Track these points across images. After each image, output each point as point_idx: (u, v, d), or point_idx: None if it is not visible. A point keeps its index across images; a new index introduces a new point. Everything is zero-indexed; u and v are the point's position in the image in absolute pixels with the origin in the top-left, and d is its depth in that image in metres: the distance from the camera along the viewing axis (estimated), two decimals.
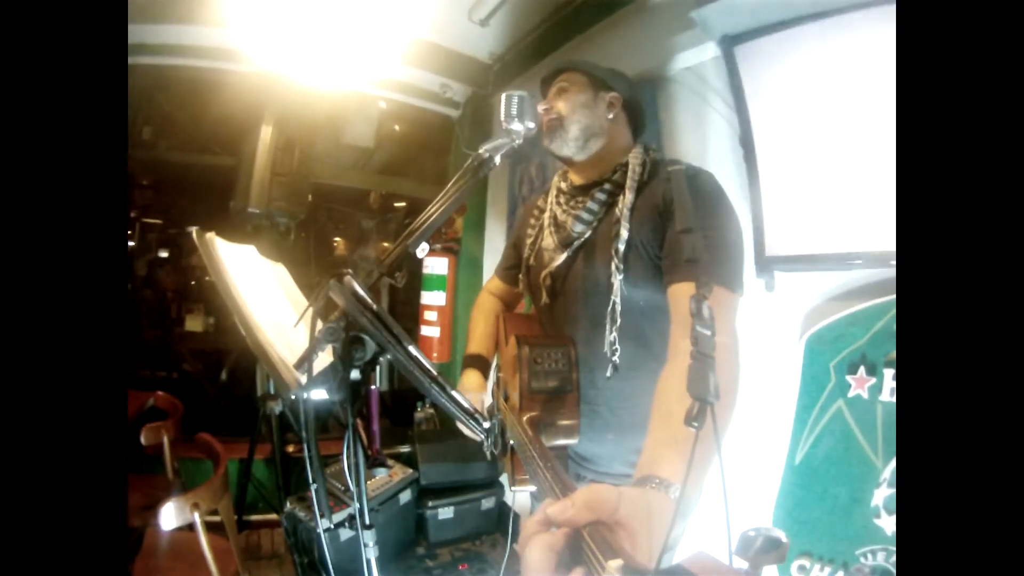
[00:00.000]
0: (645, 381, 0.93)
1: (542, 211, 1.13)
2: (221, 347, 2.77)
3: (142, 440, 1.82)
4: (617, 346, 0.95)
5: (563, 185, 1.11)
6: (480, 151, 0.87)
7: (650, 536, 0.45)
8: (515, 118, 0.87)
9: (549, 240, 1.07)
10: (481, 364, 1.16)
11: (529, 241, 1.13)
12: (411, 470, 2.31)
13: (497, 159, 0.87)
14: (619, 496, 0.44)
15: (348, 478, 1.09)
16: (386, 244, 3.83)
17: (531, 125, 0.88)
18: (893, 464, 1.17)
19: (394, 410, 3.05)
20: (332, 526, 1.34)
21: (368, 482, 2.15)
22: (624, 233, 0.93)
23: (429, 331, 2.95)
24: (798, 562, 1.27)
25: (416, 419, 2.85)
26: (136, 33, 1.94)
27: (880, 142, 1.23)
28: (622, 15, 1.93)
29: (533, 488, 0.86)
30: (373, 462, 1.01)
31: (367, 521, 1.11)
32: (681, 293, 0.85)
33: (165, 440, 1.82)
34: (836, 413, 1.29)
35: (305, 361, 0.78)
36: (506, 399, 1.02)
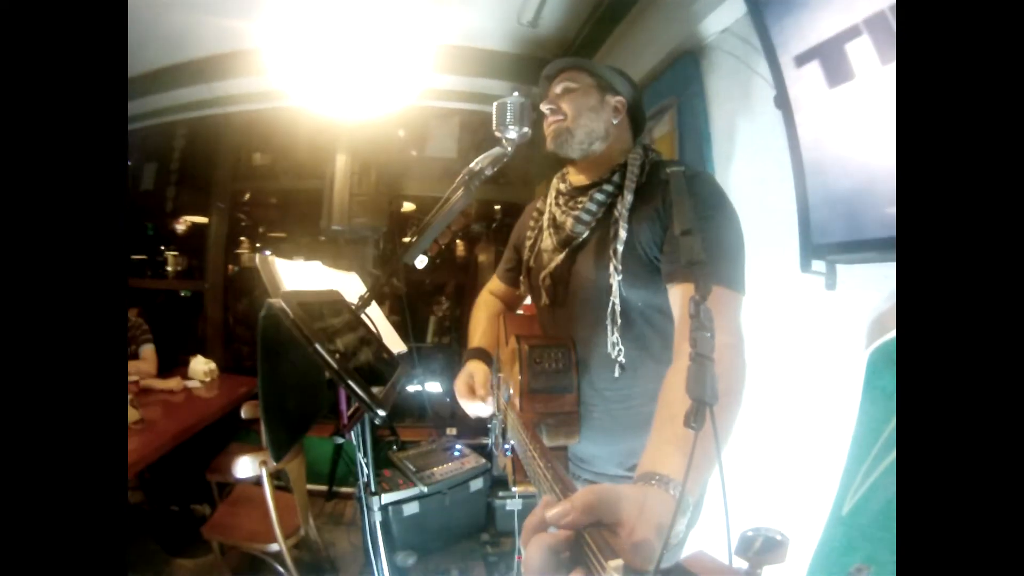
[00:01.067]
0: (643, 382, 0.95)
1: (541, 212, 1.14)
2: None
3: (242, 414, 2.24)
4: (621, 347, 0.94)
5: (562, 186, 1.11)
6: (471, 165, 0.91)
7: (651, 534, 0.44)
8: (509, 125, 0.90)
9: (548, 241, 1.07)
10: (484, 356, 1.18)
11: (529, 243, 1.14)
12: (484, 460, 2.44)
13: (488, 170, 0.92)
14: (619, 496, 0.44)
15: (358, 451, 1.25)
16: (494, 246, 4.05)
17: (526, 130, 0.91)
18: None
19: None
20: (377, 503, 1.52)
21: (440, 467, 2.34)
22: (623, 234, 0.93)
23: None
24: None
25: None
26: (222, 87, 2.43)
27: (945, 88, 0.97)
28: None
29: (533, 488, 0.89)
30: (335, 433, 1.14)
31: (372, 488, 1.25)
32: (682, 295, 0.84)
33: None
34: None
35: None
36: (506, 399, 1.04)
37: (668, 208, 0.89)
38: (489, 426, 1.19)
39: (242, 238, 3.61)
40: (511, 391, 1.00)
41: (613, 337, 0.93)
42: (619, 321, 0.93)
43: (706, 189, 0.90)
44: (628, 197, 0.95)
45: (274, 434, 0.96)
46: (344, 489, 2.73)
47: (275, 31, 1.81)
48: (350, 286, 1.96)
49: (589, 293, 0.98)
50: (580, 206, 1.02)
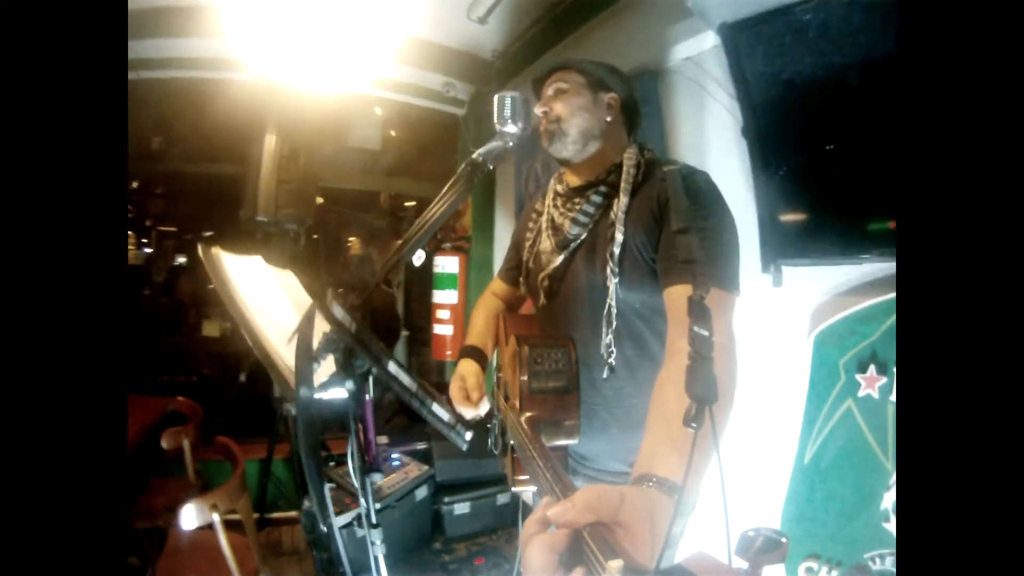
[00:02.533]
0: (642, 382, 0.96)
1: (540, 214, 1.13)
2: (238, 350, 2.84)
3: (163, 445, 1.89)
4: (613, 348, 0.95)
5: (559, 187, 1.10)
6: (473, 156, 0.86)
7: (650, 535, 0.45)
8: (508, 120, 0.87)
9: (547, 243, 1.07)
10: (477, 355, 1.17)
11: (528, 244, 1.14)
12: (427, 467, 2.37)
13: (491, 163, 0.87)
14: (619, 496, 0.44)
15: (354, 480, 1.13)
16: (398, 242, 3.87)
17: (524, 126, 0.88)
18: None
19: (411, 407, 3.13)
20: (337, 525, 1.38)
21: (385, 479, 2.21)
22: (619, 236, 0.93)
23: (442, 329, 2.99)
24: (805, 564, 1.24)
25: None
26: (137, 48, 1.99)
27: (887, 126, 1.19)
28: (621, 6, 1.90)
29: (533, 488, 0.87)
30: (369, 468, 1.03)
31: (373, 520, 1.14)
32: (678, 294, 0.84)
33: (185, 444, 1.89)
34: (846, 413, 1.26)
35: (304, 371, 0.80)
36: (506, 399, 1.03)
37: (664, 208, 0.90)
38: (488, 426, 1.17)
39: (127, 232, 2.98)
40: (511, 391, 1.01)
41: (607, 339, 0.95)
42: (614, 323, 0.94)
43: (703, 189, 0.91)
44: (624, 199, 0.96)
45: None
46: (276, 515, 2.43)
47: None
48: (291, 287, 1.75)
49: (587, 294, 0.99)
50: (577, 208, 1.02)
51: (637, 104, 1.11)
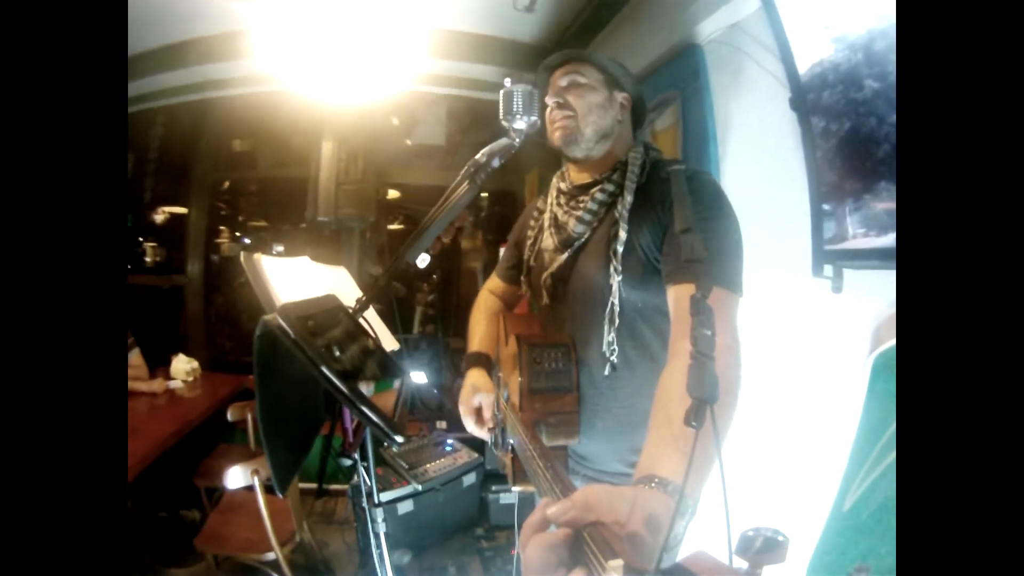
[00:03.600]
0: (642, 381, 0.95)
1: (542, 212, 1.13)
2: None
3: (228, 416, 2.17)
4: (615, 346, 0.94)
5: (562, 185, 1.09)
6: (477, 156, 0.85)
7: (650, 535, 0.45)
8: (517, 115, 0.84)
9: (549, 241, 1.06)
10: (483, 362, 1.17)
11: (529, 242, 1.13)
12: (477, 455, 2.43)
13: (496, 162, 0.86)
14: (619, 496, 0.44)
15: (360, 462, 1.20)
16: (480, 232, 3.98)
17: (535, 119, 0.85)
18: None
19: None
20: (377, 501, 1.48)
21: (433, 463, 2.31)
22: (623, 235, 0.92)
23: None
24: None
25: None
26: (208, 71, 2.28)
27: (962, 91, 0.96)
28: None
29: (533, 488, 0.87)
30: (342, 453, 1.10)
31: (376, 500, 1.21)
32: (681, 294, 0.83)
33: (249, 417, 2.15)
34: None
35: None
36: (506, 399, 1.02)
37: (668, 208, 0.89)
38: (491, 427, 1.17)
39: (222, 228, 3.47)
40: (511, 391, 1.00)
41: (609, 337, 0.94)
42: (616, 322, 0.93)
43: (706, 189, 0.91)
44: (628, 197, 0.94)
45: (277, 459, 0.91)
46: (334, 486, 2.69)
47: (263, 12, 1.69)
48: (340, 282, 1.89)
49: (590, 293, 0.98)
50: (582, 206, 1.01)
51: (644, 104, 1.10)
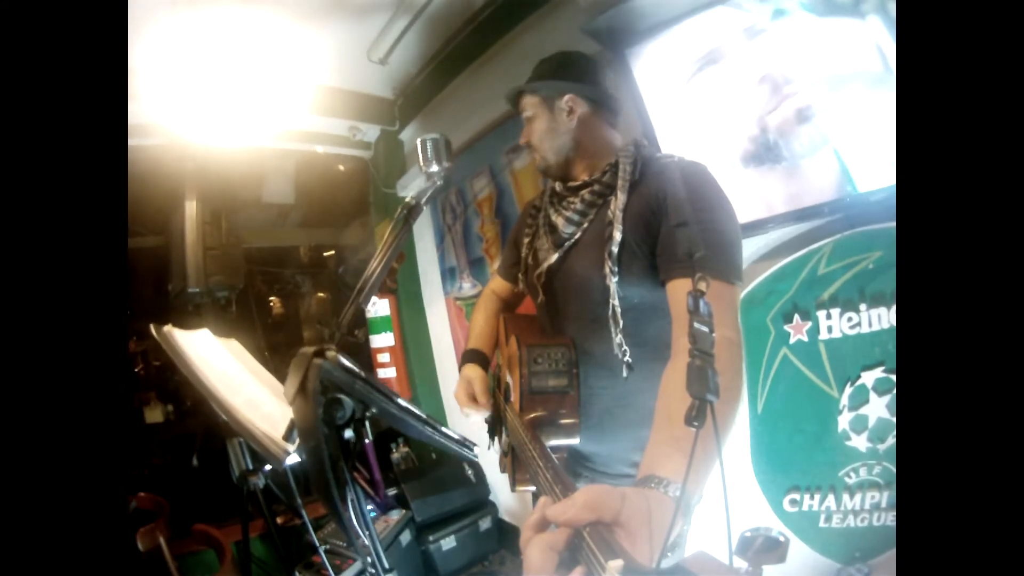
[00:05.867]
0: (641, 381, 0.95)
1: (538, 210, 1.13)
2: (185, 432, 2.61)
3: (139, 547, 1.69)
4: (626, 347, 0.93)
5: (557, 186, 1.10)
6: (407, 199, 0.90)
7: (650, 536, 0.45)
8: (432, 160, 0.93)
9: (544, 240, 1.07)
10: (479, 358, 1.16)
11: (527, 240, 1.13)
12: (404, 510, 2.30)
13: (425, 203, 0.90)
14: (619, 496, 0.44)
15: (360, 530, 1.10)
16: (321, 295, 3.76)
17: (447, 163, 0.94)
18: (848, 390, 1.31)
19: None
20: None
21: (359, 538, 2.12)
22: (617, 235, 0.92)
23: (385, 372, 2.96)
24: (788, 496, 1.37)
25: (394, 460, 2.84)
26: None
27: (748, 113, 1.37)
28: (518, 32, 2.00)
29: (534, 488, 0.89)
30: (386, 506, 1.02)
31: (386, 566, 1.13)
32: (679, 290, 0.84)
33: (162, 541, 1.71)
34: (783, 360, 1.39)
35: (292, 430, 0.81)
36: (506, 399, 1.03)
37: (663, 203, 0.89)
38: (489, 427, 1.17)
39: None
40: (511, 391, 1.01)
41: (617, 338, 0.93)
42: (620, 322, 0.93)
43: (700, 180, 0.90)
44: (621, 197, 0.94)
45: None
46: None
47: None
48: (239, 355, 1.67)
49: (584, 292, 0.98)
50: (571, 207, 1.02)
51: (606, 89, 1.07)
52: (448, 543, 2.29)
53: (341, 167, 2.78)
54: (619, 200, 0.94)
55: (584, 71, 1.06)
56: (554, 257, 1.03)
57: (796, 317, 1.36)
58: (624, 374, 0.94)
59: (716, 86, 1.50)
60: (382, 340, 2.98)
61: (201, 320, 2.13)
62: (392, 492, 2.48)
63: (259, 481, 1.85)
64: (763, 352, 1.44)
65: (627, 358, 0.94)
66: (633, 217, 0.93)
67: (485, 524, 2.43)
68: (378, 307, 2.97)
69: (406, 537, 2.22)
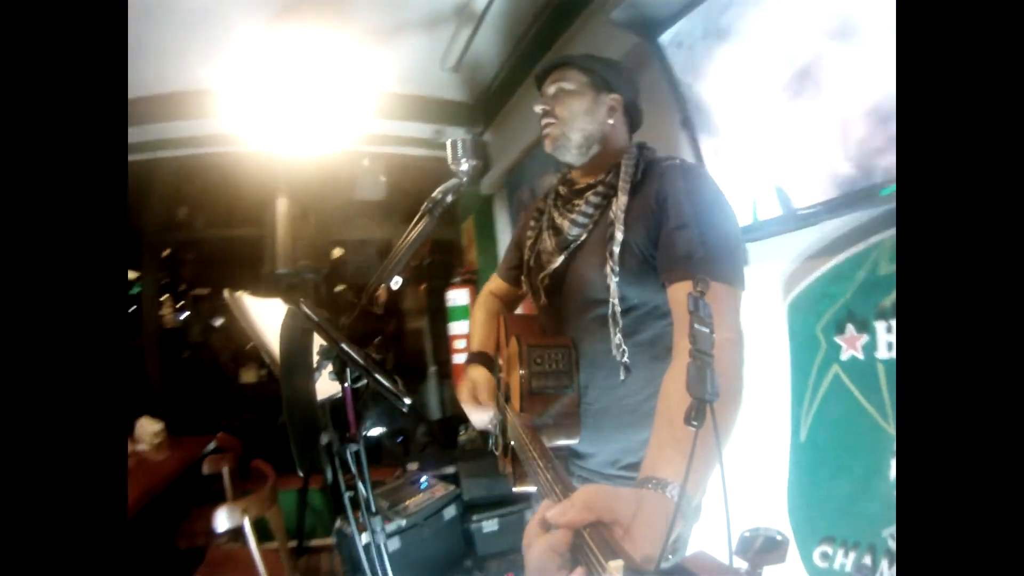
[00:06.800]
0: (642, 381, 0.94)
1: (541, 212, 1.14)
2: (275, 393, 3.07)
3: (204, 470, 2.07)
4: (624, 347, 0.93)
5: (561, 188, 1.10)
6: (433, 194, 0.98)
7: (650, 537, 0.45)
8: (460, 160, 0.98)
9: (547, 243, 1.07)
10: (485, 360, 1.18)
11: (529, 243, 1.14)
12: (452, 486, 2.45)
13: (449, 198, 0.99)
14: (619, 496, 0.45)
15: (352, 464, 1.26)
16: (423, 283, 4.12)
17: (476, 163, 0.99)
18: None
19: (443, 435, 3.26)
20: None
21: (411, 499, 2.31)
22: (619, 235, 0.92)
23: (461, 359, 3.14)
24: (820, 549, 1.17)
25: (460, 442, 3.01)
26: (156, 131, 2.34)
27: (810, 89, 1.18)
28: (575, 31, 2.00)
29: (534, 488, 0.92)
30: (349, 439, 1.15)
31: (373, 508, 1.27)
32: (680, 291, 0.83)
33: (224, 470, 2.07)
34: (834, 380, 1.19)
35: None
36: (506, 399, 1.05)
37: (663, 204, 0.89)
38: (489, 427, 1.20)
39: (164, 295, 3.35)
40: (511, 391, 1.02)
41: (616, 339, 0.92)
42: (620, 322, 0.92)
43: (700, 183, 0.90)
44: (623, 198, 0.94)
45: (297, 437, 1.00)
46: (315, 543, 2.56)
47: (218, 74, 1.82)
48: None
49: (586, 294, 0.98)
50: (577, 209, 1.01)
51: (639, 104, 1.09)
52: (490, 525, 2.39)
53: (428, 167, 3.05)
54: (620, 201, 0.95)
55: (631, 83, 1.07)
56: (559, 260, 1.03)
57: (850, 328, 1.14)
58: (622, 375, 0.94)
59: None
60: (460, 327, 3.17)
61: (292, 297, 2.52)
62: (451, 470, 2.65)
63: (325, 439, 2.13)
64: (811, 368, 1.22)
65: (625, 359, 0.93)
66: (635, 218, 0.93)
67: (530, 515, 2.47)
68: (457, 298, 3.19)
69: (451, 512, 2.36)
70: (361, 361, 0.92)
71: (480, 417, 1.12)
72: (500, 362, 1.19)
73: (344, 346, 0.92)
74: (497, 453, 1.14)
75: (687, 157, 1.37)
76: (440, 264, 3.71)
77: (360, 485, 1.37)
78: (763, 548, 0.35)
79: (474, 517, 2.39)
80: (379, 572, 1.33)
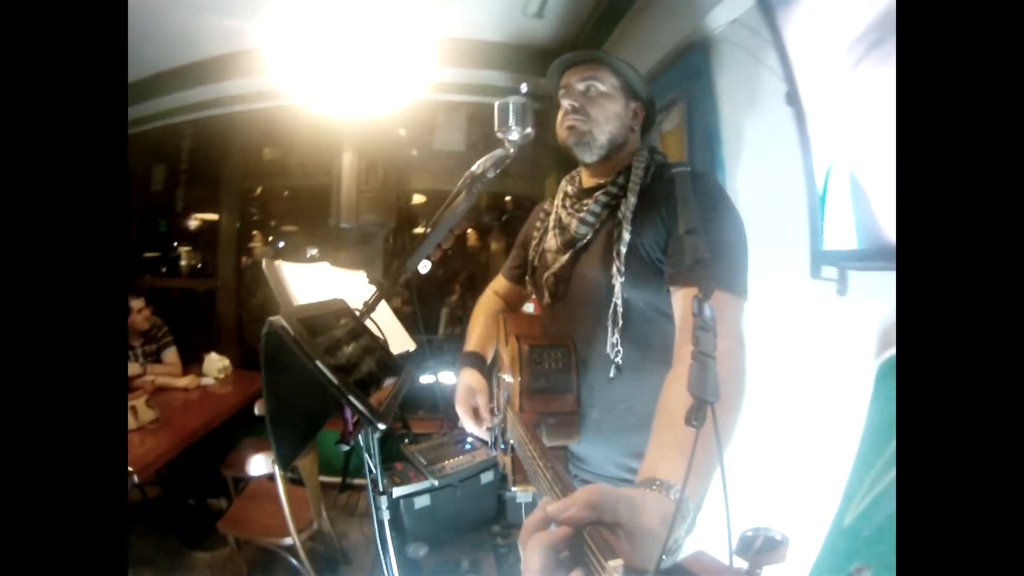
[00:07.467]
0: (642, 383, 0.94)
1: (548, 213, 1.14)
2: None
3: (255, 411, 2.30)
4: (619, 347, 0.94)
5: (569, 188, 1.11)
6: (472, 168, 0.90)
7: (650, 537, 0.45)
8: (512, 127, 0.87)
9: (553, 242, 1.07)
10: (477, 362, 1.18)
11: (534, 242, 1.15)
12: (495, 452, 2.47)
13: (491, 172, 0.90)
14: (620, 497, 0.45)
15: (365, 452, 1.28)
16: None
17: (529, 131, 0.88)
18: None
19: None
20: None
21: (451, 460, 2.38)
22: (626, 236, 0.92)
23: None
24: None
25: None
26: (235, 87, 2.44)
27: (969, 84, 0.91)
28: None
29: (533, 488, 0.87)
30: (340, 441, 1.16)
31: (380, 488, 1.29)
32: (684, 296, 0.83)
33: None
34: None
35: None
36: (506, 399, 1.04)
37: (672, 209, 0.88)
38: (489, 427, 1.19)
39: (255, 232, 3.66)
40: (511, 391, 1.00)
41: (613, 338, 0.93)
42: (620, 322, 0.93)
43: (710, 191, 0.89)
44: (632, 199, 0.94)
45: (280, 445, 0.99)
46: (358, 481, 2.80)
47: (277, 30, 1.81)
48: (357, 286, 2.00)
49: (591, 293, 0.97)
50: (585, 208, 1.01)
51: (654, 109, 1.11)
52: (524, 496, 2.39)
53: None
54: (630, 202, 0.95)
55: (650, 89, 1.08)
56: (564, 259, 1.03)
57: None
58: (611, 374, 0.95)
59: None
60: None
61: (361, 250, 2.60)
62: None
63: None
64: (883, 450, 0.97)
65: (618, 359, 0.94)
66: (642, 220, 0.93)
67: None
68: None
69: (488, 476, 2.41)
70: (336, 382, 0.87)
71: (475, 428, 1.11)
72: (499, 361, 1.18)
73: (319, 364, 0.88)
74: (496, 452, 1.14)
75: (792, 144, 1.26)
76: (521, 220, 3.61)
77: (369, 462, 1.40)
78: (763, 548, 0.34)
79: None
80: (381, 540, 1.38)
